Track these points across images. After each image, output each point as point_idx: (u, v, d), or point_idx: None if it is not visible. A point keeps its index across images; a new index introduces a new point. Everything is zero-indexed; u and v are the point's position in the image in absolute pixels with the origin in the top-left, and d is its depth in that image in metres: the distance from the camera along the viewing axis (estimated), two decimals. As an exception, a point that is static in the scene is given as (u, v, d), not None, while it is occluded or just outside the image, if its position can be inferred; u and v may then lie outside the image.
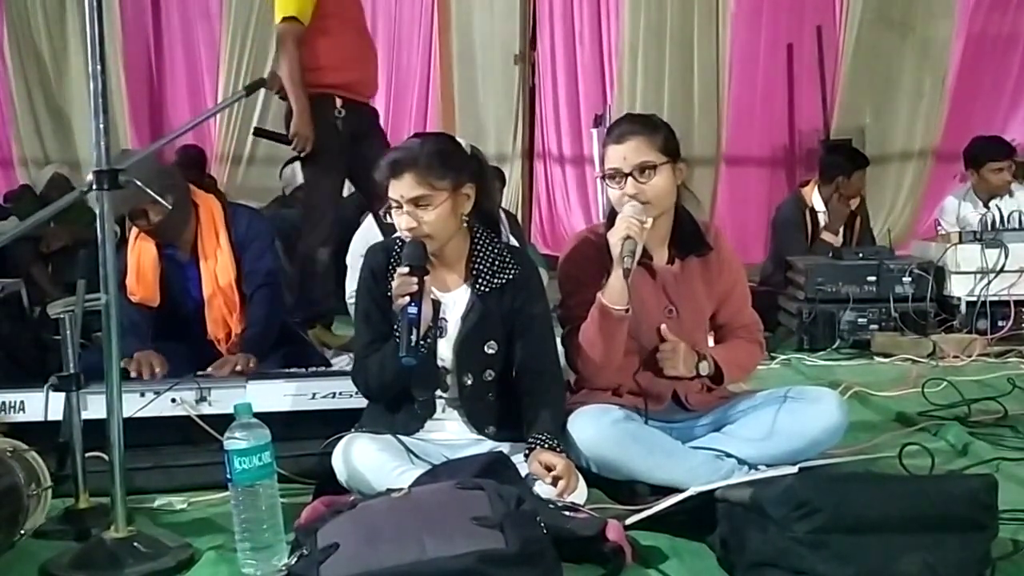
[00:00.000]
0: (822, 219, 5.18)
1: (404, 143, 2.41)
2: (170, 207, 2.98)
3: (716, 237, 2.59)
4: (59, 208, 2.42)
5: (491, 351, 2.37)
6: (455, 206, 2.33)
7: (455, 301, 2.39)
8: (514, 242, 3.31)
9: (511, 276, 2.39)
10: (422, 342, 2.24)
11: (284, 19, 4.16)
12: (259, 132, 4.82)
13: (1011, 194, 5.27)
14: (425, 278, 2.24)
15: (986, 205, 5.24)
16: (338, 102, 4.24)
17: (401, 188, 2.28)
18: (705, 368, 2.52)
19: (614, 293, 2.38)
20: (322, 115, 4.20)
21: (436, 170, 2.29)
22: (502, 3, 7.64)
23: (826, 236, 5.08)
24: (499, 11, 7.66)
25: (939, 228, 5.41)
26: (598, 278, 2.46)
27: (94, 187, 1.98)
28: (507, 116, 7.70)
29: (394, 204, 2.31)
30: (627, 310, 2.39)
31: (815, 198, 5.20)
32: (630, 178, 2.43)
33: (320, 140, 4.19)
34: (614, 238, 2.37)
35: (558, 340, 2.53)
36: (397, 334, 2.25)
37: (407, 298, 2.21)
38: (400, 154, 2.33)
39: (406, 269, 2.23)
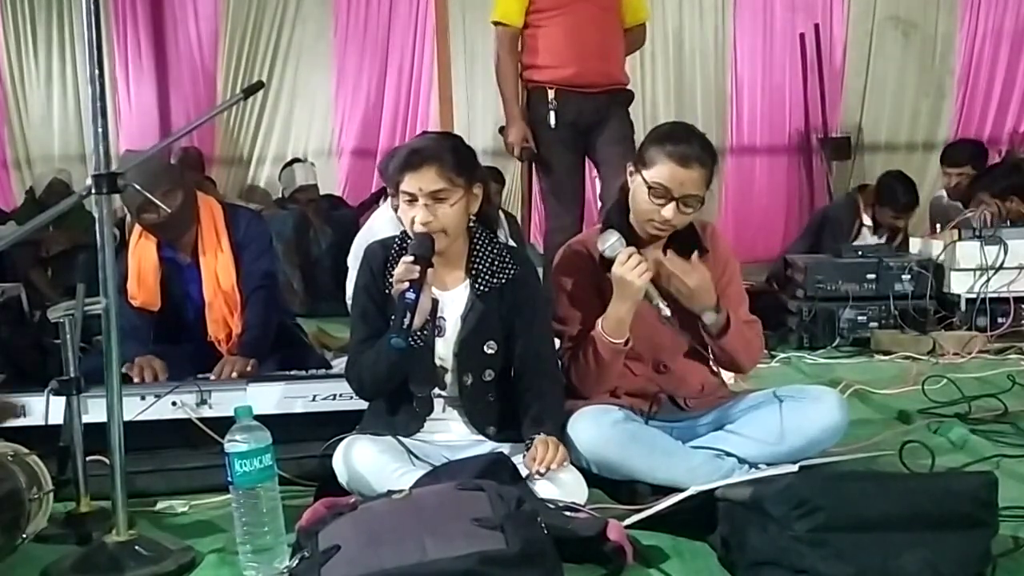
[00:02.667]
0: (865, 233, 5.19)
1: (420, 138, 2.40)
2: (169, 210, 3.00)
3: (712, 236, 2.57)
4: (58, 212, 2.42)
5: (490, 351, 2.37)
6: (467, 204, 2.34)
7: (454, 300, 2.39)
8: (513, 244, 3.32)
9: (510, 276, 2.39)
10: (417, 334, 2.24)
11: (494, 23, 4.29)
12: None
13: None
14: (428, 271, 2.24)
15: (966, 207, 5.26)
16: (550, 94, 4.18)
17: (421, 181, 2.27)
18: (710, 317, 2.45)
19: (613, 327, 2.39)
20: (535, 109, 4.21)
21: (455, 166, 2.29)
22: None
23: None
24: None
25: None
26: (592, 293, 2.48)
27: (93, 191, 1.97)
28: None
29: (407, 198, 2.30)
30: (625, 342, 2.39)
31: (865, 214, 5.19)
32: (675, 203, 2.39)
33: (538, 139, 4.22)
34: (638, 281, 2.32)
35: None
36: (392, 321, 2.25)
37: (406, 284, 2.21)
38: (421, 146, 2.32)
39: (411, 258, 2.23)
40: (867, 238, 5.23)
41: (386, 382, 2.35)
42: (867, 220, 5.20)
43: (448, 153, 2.30)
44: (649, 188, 2.40)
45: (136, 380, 2.83)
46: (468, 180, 2.32)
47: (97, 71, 1.97)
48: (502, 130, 4.39)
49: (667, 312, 2.33)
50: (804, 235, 5.51)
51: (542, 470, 2.15)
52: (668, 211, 2.39)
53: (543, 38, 4.19)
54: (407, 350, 2.22)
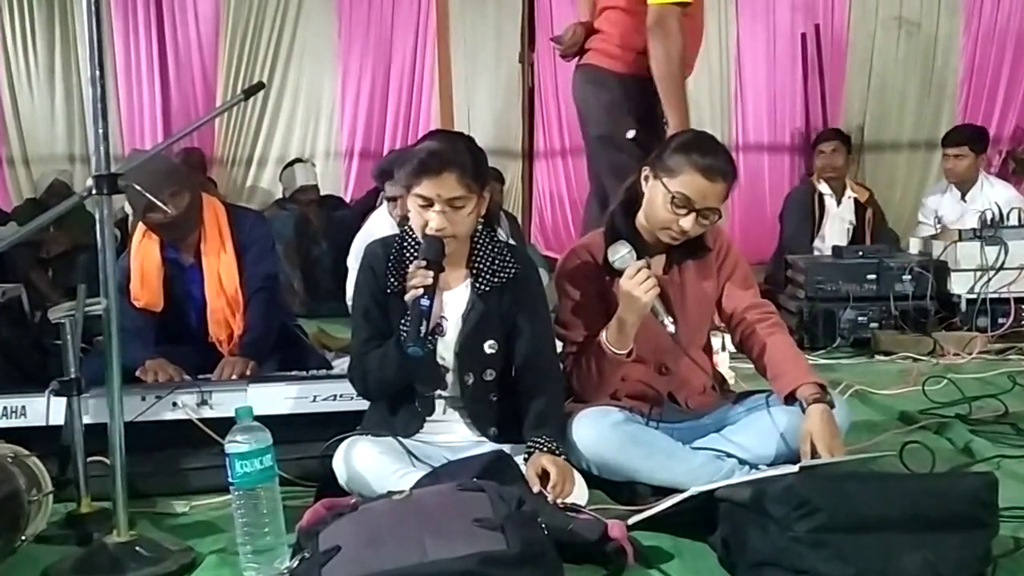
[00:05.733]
0: (828, 202, 5.42)
1: (434, 140, 2.34)
2: (175, 212, 3.01)
3: (712, 231, 2.54)
4: (59, 213, 2.42)
5: (491, 350, 2.37)
6: (479, 208, 2.33)
7: (455, 299, 2.39)
8: (513, 243, 3.30)
9: (511, 275, 2.39)
10: (429, 336, 2.24)
11: (674, 3, 3.29)
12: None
13: (991, 184, 5.41)
14: (440, 276, 2.24)
15: (963, 198, 5.29)
16: None
17: (440, 187, 2.24)
18: (832, 406, 2.33)
19: (616, 338, 2.38)
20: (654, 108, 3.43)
21: (473, 173, 2.27)
22: (502, 4, 7.65)
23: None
24: (499, 11, 7.66)
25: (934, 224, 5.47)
26: (595, 299, 2.47)
27: (94, 192, 1.97)
28: (507, 116, 7.70)
29: (422, 202, 2.27)
30: (628, 353, 2.39)
31: (821, 184, 5.49)
32: (695, 214, 2.38)
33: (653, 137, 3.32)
34: (644, 297, 2.30)
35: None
36: (403, 327, 2.24)
37: (420, 290, 2.20)
38: (439, 149, 2.27)
39: (423, 263, 2.22)
40: (832, 210, 5.45)
41: (392, 386, 2.36)
42: (823, 188, 5.47)
43: (467, 158, 2.28)
44: (672, 197, 2.38)
45: (150, 383, 2.84)
46: (481, 186, 2.32)
47: (98, 71, 1.97)
48: (638, 134, 3.44)
49: (672, 329, 2.32)
50: (781, 226, 5.71)
51: (559, 503, 2.13)
52: (687, 222, 2.38)
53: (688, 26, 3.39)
54: (423, 357, 2.22)
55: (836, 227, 5.44)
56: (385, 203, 3.91)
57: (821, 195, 5.45)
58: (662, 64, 3.32)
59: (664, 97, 3.35)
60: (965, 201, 5.31)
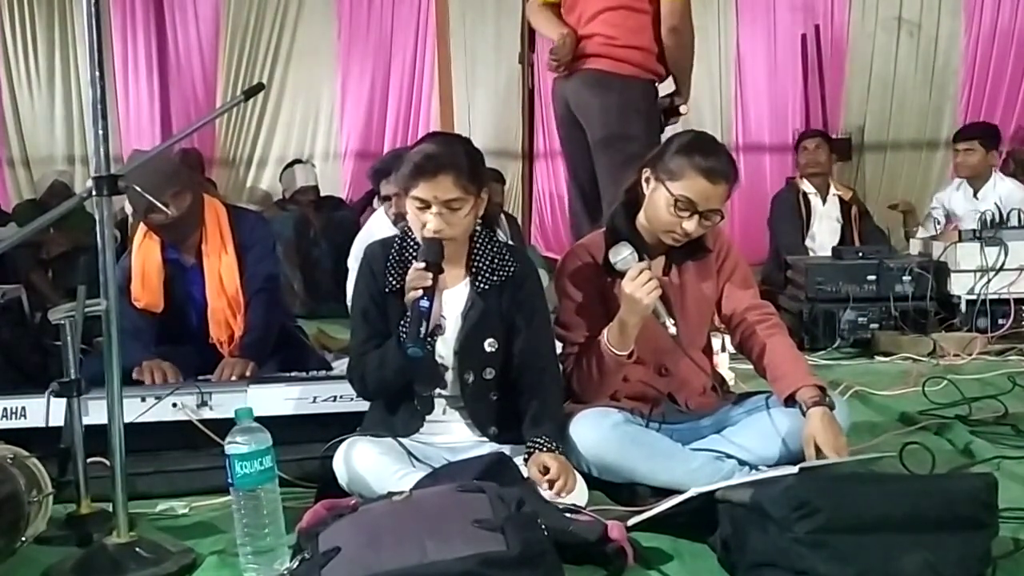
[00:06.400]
0: (814, 201, 5.46)
1: (430, 142, 2.34)
2: (177, 212, 3.01)
3: (711, 231, 2.54)
4: (59, 214, 2.42)
5: (491, 349, 2.37)
6: (477, 211, 2.33)
7: (454, 298, 2.39)
8: (512, 244, 3.30)
9: (510, 273, 2.39)
10: (429, 337, 2.24)
11: None
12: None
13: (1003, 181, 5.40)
14: (439, 276, 2.24)
15: (975, 195, 5.29)
16: (661, 91, 3.74)
17: (436, 189, 2.24)
18: (830, 407, 2.33)
19: (618, 339, 2.38)
20: (655, 106, 3.69)
21: (470, 175, 2.27)
22: (502, 4, 7.65)
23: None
24: (499, 11, 7.67)
25: (934, 222, 5.47)
26: (596, 300, 2.47)
27: (94, 193, 1.97)
28: (507, 117, 7.70)
29: (419, 204, 2.27)
30: (629, 355, 2.39)
31: (804, 183, 5.53)
32: (698, 216, 2.38)
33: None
34: (646, 299, 2.29)
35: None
36: (403, 328, 2.25)
37: (420, 291, 2.21)
38: (435, 152, 2.27)
39: (422, 264, 2.23)
40: (819, 209, 5.49)
41: (391, 385, 2.36)
42: (807, 188, 5.52)
43: (463, 160, 2.28)
44: (675, 201, 2.38)
45: (147, 383, 2.84)
46: (479, 188, 2.32)
47: (98, 72, 1.97)
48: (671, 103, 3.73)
49: (673, 330, 2.32)
50: (771, 231, 5.73)
51: (559, 499, 2.13)
52: (690, 224, 2.38)
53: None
54: (423, 357, 2.22)
55: (825, 226, 5.47)
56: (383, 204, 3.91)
57: (806, 195, 5.48)
58: (681, 53, 3.64)
59: (682, 80, 3.69)
60: (977, 198, 5.28)
